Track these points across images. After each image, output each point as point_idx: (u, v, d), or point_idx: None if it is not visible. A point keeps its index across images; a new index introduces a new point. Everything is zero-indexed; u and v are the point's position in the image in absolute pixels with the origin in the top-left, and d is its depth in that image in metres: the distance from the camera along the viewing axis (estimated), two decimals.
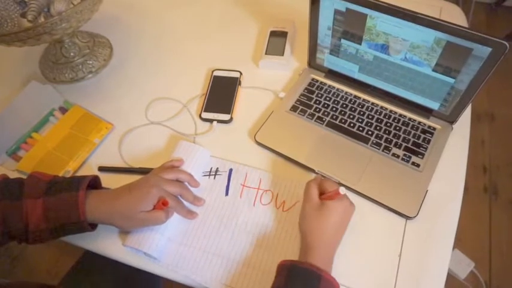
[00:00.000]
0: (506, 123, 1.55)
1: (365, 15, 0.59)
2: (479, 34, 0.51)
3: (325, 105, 0.69)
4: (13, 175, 0.64)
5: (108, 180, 0.61)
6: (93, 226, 0.54)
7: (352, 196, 0.60)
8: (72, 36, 0.77)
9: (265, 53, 0.77)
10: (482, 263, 1.22)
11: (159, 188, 0.54)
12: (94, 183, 0.57)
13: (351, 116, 0.67)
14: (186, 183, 0.59)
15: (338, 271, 0.53)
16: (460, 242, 1.25)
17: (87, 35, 0.81)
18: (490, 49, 0.52)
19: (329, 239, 0.51)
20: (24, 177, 0.54)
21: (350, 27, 0.62)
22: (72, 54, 0.77)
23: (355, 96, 0.70)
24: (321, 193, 0.55)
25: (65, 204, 0.51)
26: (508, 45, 0.50)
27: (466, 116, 0.67)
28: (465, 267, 1.19)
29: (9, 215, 0.50)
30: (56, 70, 0.77)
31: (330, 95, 0.71)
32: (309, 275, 0.47)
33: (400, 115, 0.67)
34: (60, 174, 0.64)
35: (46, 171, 0.58)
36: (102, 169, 0.65)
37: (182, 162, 0.61)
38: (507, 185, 1.40)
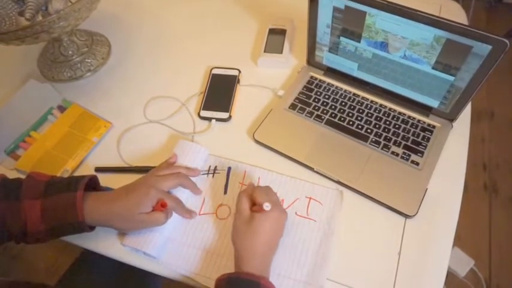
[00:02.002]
0: (506, 121, 1.55)
1: (364, 13, 0.58)
2: (479, 32, 0.51)
3: (324, 103, 0.69)
4: (12, 174, 0.64)
5: (107, 180, 0.61)
6: (91, 227, 0.54)
7: (351, 194, 0.60)
8: (71, 35, 0.76)
9: (264, 51, 0.76)
10: (482, 261, 1.22)
11: (157, 189, 0.54)
12: (92, 183, 0.57)
13: (350, 114, 0.67)
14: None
15: (338, 270, 0.53)
16: (460, 240, 1.25)
17: (85, 33, 0.81)
18: (490, 47, 0.51)
19: (262, 250, 0.50)
20: (23, 176, 0.54)
21: (349, 25, 0.62)
22: (70, 52, 0.77)
23: (354, 94, 0.70)
24: (253, 203, 0.54)
25: (63, 205, 0.51)
26: (508, 43, 0.50)
27: (466, 113, 0.67)
28: (465, 265, 1.19)
29: (8, 216, 0.50)
30: (55, 69, 0.77)
31: (329, 93, 0.70)
32: (248, 285, 0.47)
33: (400, 113, 0.67)
34: (59, 173, 0.63)
35: (45, 170, 0.58)
36: (98, 170, 0.64)
37: (176, 157, 0.61)
38: (507, 182, 1.40)
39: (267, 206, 0.50)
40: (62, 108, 0.72)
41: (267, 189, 0.55)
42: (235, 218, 0.53)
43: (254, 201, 0.53)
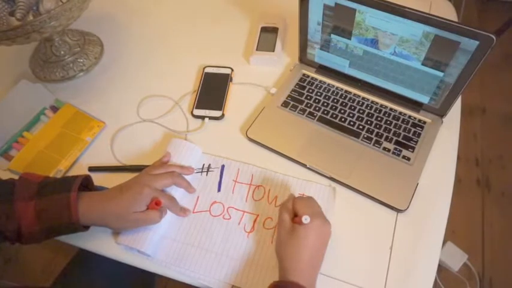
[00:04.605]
0: (498, 117, 1.56)
1: (354, 10, 0.59)
2: (466, 27, 0.52)
3: (316, 101, 0.69)
4: (5, 175, 0.64)
5: (100, 179, 0.61)
6: (86, 226, 0.54)
7: (343, 190, 0.60)
8: (62, 35, 0.76)
9: (256, 49, 0.77)
10: (475, 255, 1.24)
11: (151, 188, 0.54)
12: (86, 183, 0.57)
13: (342, 111, 0.68)
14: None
15: (330, 264, 0.54)
16: (454, 235, 1.26)
17: (77, 33, 0.81)
18: (477, 42, 0.52)
19: (307, 262, 0.48)
20: (17, 176, 0.54)
21: (339, 22, 0.63)
22: (62, 52, 0.77)
23: (346, 91, 0.70)
24: (295, 214, 0.53)
25: (57, 206, 0.51)
26: (494, 38, 0.51)
27: (456, 109, 0.68)
28: (458, 259, 1.21)
29: (1, 218, 0.50)
30: (47, 69, 0.77)
31: (321, 90, 0.71)
32: None
33: (391, 109, 0.68)
34: (52, 173, 0.63)
35: (38, 171, 0.58)
36: (92, 169, 0.64)
37: (170, 155, 0.61)
38: (499, 177, 1.41)
39: (305, 219, 0.49)
40: (54, 109, 0.72)
41: (308, 200, 0.54)
42: (278, 229, 0.53)
43: (295, 213, 0.52)
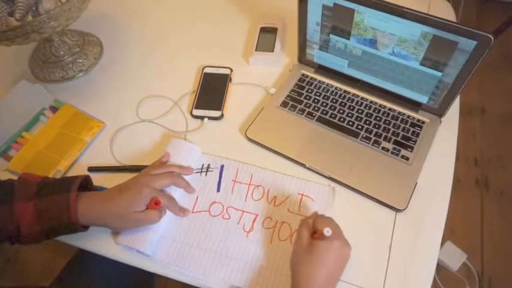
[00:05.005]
0: (497, 117, 1.56)
1: (352, 10, 0.59)
2: (464, 27, 0.52)
3: (316, 101, 0.70)
4: (4, 175, 0.64)
5: (100, 179, 0.61)
6: (85, 226, 0.54)
7: (342, 190, 0.60)
8: (62, 35, 0.76)
9: (255, 50, 0.77)
10: (474, 255, 1.24)
11: (150, 188, 0.54)
12: (85, 183, 0.57)
13: (341, 111, 0.68)
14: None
15: None
16: (453, 234, 1.26)
17: (76, 33, 0.81)
18: (475, 42, 0.52)
19: (322, 281, 0.46)
20: (16, 177, 0.54)
21: (338, 23, 0.63)
22: (62, 53, 0.77)
23: (345, 91, 0.71)
24: (314, 231, 0.51)
25: (56, 207, 0.51)
26: (492, 38, 0.51)
27: (455, 109, 0.68)
28: (458, 259, 1.21)
29: (1, 218, 0.50)
30: (46, 69, 0.77)
31: (320, 90, 0.71)
32: None
33: (390, 109, 0.68)
34: (51, 174, 0.63)
35: (37, 171, 0.58)
36: (91, 169, 0.65)
37: (169, 155, 0.61)
38: (498, 177, 1.41)
39: (327, 231, 0.48)
40: (54, 109, 0.72)
41: (329, 219, 0.52)
42: (296, 244, 0.51)
43: (315, 230, 0.51)
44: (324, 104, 0.69)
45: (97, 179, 0.60)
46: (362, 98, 0.70)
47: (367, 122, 0.66)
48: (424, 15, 0.54)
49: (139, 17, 0.88)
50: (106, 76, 0.79)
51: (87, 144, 0.68)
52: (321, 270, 0.47)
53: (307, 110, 0.68)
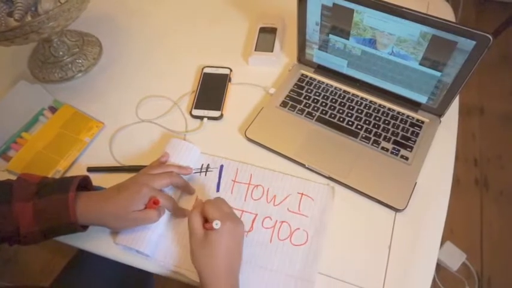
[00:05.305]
0: (496, 117, 1.56)
1: (352, 10, 0.59)
2: (463, 27, 0.52)
3: (315, 101, 0.70)
4: (3, 175, 0.64)
5: (99, 179, 0.61)
6: (84, 226, 0.54)
7: (342, 190, 0.60)
8: (61, 35, 0.76)
9: (255, 50, 0.77)
10: (473, 255, 1.24)
11: (149, 187, 0.54)
12: (84, 183, 0.57)
13: (340, 111, 0.68)
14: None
15: (328, 264, 0.54)
16: (452, 234, 1.26)
17: (76, 33, 0.81)
18: (474, 42, 0.52)
19: (225, 269, 0.47)
20: (15, 177, 0.54)
21: (337, 22, 0.63)
22: (61, 53, 0.77)
23: (344, 91, 0.71)
24: (206, 220, 0.51)
25: (55, 207, 0.51)
26: (491, 38, 0.51)
27: (454, 109, 0.68)
28: (457, 259, 1.21)
29: (0, 219, 0.50)
30: (45, 69, 0.77)
31: (319, 90, 0.71)
32: None
33: (389, 109, 0.68)
34: (51, 174, 0.63)
35: (36, 171, 0.58)
36: (91, 169, 0.64)
37: (168, 155, 0.61)
38: (497, 177, 1.41)
39: (216, 224, 0.48)
40: (53, 109, 0.72)
41: (218, 201, 0.53)
42: (190, 240, 0.50)
43: (206, 218, 0.51)
44: (324, 104, 0.69)
45: (96, 179, 0.60)
46: (361, 98, 0.70)
47: (367, 122, 0.66)
48: (423, 15, 0.54)
49: (139, 17, 0.88)
50: (105, 76, 0.78)
51: (86, 144, 0.68)
52: (221, 258, 0.47)
53: (307, 110, 0.68)
